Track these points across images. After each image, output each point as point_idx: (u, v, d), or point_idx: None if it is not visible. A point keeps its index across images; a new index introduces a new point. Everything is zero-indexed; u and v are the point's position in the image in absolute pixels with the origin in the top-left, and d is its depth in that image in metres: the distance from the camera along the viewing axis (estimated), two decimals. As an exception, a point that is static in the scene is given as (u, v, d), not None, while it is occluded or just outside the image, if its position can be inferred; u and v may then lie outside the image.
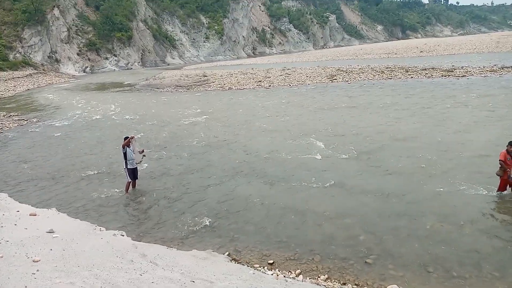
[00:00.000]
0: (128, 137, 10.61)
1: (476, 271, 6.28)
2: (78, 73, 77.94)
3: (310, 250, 7.23)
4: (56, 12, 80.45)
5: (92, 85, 52.38)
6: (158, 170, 12.62)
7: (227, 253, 7.19)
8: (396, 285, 5.94)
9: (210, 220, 8.67)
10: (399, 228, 7.83)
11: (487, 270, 6.29)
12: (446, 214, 8.25)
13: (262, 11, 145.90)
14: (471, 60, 45.58)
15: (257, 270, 6.14)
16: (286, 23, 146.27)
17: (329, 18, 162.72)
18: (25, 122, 24.36)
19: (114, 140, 17.14)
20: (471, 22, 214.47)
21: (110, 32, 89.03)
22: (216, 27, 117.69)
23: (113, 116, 24.56)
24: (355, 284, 6.09)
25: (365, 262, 6.74)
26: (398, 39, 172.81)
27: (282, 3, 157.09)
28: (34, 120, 25.08)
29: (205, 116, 21.88)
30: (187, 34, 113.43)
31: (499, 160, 8.69)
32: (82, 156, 15.16)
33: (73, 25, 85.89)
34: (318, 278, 6.28)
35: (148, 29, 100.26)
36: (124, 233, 7.10)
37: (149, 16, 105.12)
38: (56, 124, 23.10)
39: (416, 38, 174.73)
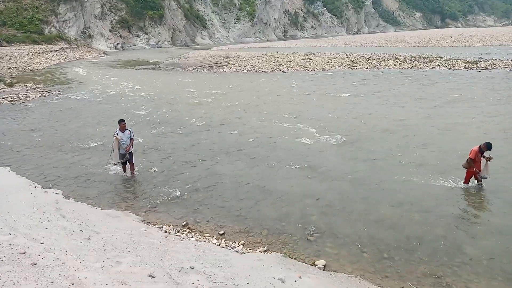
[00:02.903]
0: (123, 120, 10.54)
1: (407, 255, 6.61)
2: (110, 49, 79.96)
3: (261, 225, 7.73)
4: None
5: (119, 62, 53.88)
6: (150, 145, 13.35)
7: (184, 222, 7.82)
8: (324, 261, 6.37)
9: (181, 193, 9.29)
10: (353, 212, 8.20)
11: (418, 254, 6.61)
12: (403, 202, 8.53)
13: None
14: (503, 53, 43.87)
15: (166, 232, 6.86)
16: (319, 7, 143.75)
17: (365, 3, 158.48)
18: (47, 94, 25.67)
19: (121, 116, 18.02)
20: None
21: (142, 10, 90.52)
22: (248, 8, 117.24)
23: (128, 92, 25.54)
24: (289, 257, 6.55)
25: (307, 239, 7.18)
26: (437, 27, 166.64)
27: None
28: (56, 92, 26.37)
29: (212, 97, 22.47)
30: (218, 14, 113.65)
31: (469, 158, 8.84)
32: (88, 128, 16.10)
33: (106, 2, 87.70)
34: (257, 250, 6.79)
35: (179, 8, 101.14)
36: (60, 191, 7.83)
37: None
38: (74, 97, 24.29)
39: (455, 27, 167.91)
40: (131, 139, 10.40)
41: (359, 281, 5.34)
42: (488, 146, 8.68)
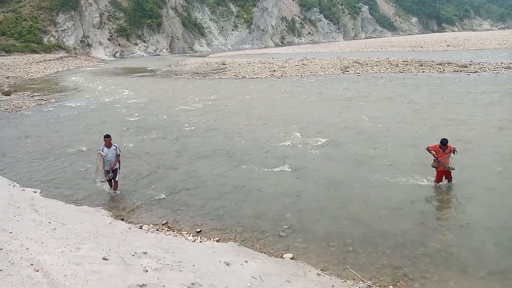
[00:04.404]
0: (109, 135, 9.77)
1: (371, 248, 7.00)
2: (108, 57, 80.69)
3: (237, 223, 8.13)
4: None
5: (117, 70, 54.47)
6: (139, 149, 13.77)
7: (164, 221, 8.22)
8: (291, 254, 6.76)
9: (164, 194, 9.70)
10: (326, 209, 8.59)
11: (381, 248, 7.00)
12: (375, 200, 8.93)
13: (293, 0, 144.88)
14: (494, 55, 44.42)
15: (132, 224, 7.26)
16: (316, 13, 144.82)
17: (362, 9, 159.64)
18: (44, 102, 26.12)
19: (113, 122, 18.49)
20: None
21: (141, 18, 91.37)
22: (245, 15, 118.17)
23: (123, 100, 26.01)
24: (259, 251, 6.94)
25: (279, 235, 7.58)
26: (433, 32, 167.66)
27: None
28: (53, 100, 26.82)
29: (204, 103, 22.93)
30: (216, 22, 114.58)
31: (428, 149, 9.35)
32: (80, 134, 16.52)
33: (105, 11, 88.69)
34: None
35: (177, 16, 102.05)
36: (38, 190, 8.27)
37: (179, 3, 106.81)
38: (70, 105, 24.73)
39: (452, 31, 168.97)
40: (117, 155, 9.70)
41: (303, 266, 5.73)
42: (443, 142, 9.13)
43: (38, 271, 4.19)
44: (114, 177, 9.73)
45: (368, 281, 5.83)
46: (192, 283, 4.37)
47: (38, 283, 3.97)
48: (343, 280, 5.70)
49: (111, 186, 9.89)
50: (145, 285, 4.13)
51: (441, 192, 9.36)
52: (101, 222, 6.54)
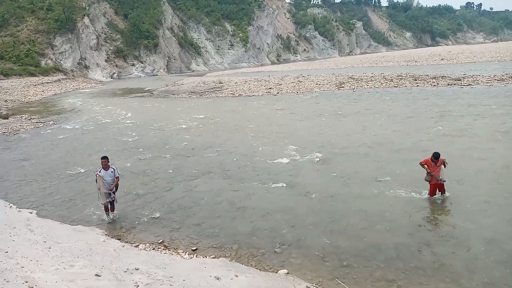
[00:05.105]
0: (106, 157, 9.59)
1: (365, 262, 7.07)
2: (106, 79, 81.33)
3: (233, 240, 8.20)
4: (86, 20, 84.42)
5: (114, 91, 54.89)
6: (136, 168, 13.88)
7: (160, 240, 8.28)
8: (286, 270, 6.82)
9: (160, 214, 9.77)
10: (320, 224, 8.68)
11: (375, 261, 7.07)
12: (368, 214, 9.02)
13: (288, 18, 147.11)
14: (487, 68, 45.03)
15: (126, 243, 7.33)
16: (311, 30, 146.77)
17: (356, 25, 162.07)
18: (41, 125, 26.30)
19: (110, 143, 18.65)
20: (506, 28, 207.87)
21: (137, 39, 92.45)
22: (240, 34, 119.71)
23: (120, 120, 26.21)
24: (255, 267, 7.00)
25: (274, 251, 7.65)
26: (428, 46, 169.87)
27: (308, 10, 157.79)
28: (50, 123, 27.02)
29: (201, 122, 23.14)
30: (212, 41, 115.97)
31: (421, 164, 9.50)
32: (77, 155, 16.64)
33: (102, 33, 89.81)
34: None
35: (174, 36, 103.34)
36: (34, 211, 8.37)
37: (176, 24, 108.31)
38: (67, 127, 24.90)
39: (446, 45, 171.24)
40: (116, 178, 9.48)
41: (293, 279, 5.81)
42: (435, 156, 9.29)
43: (32, 288, 4.31)
44: (112, 202, 9.48)
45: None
46: (182, 297, 4.47)
47: (32, 300, 4.07)
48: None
49: (111, 209, 9.51)
50: (136, 299, 4.23)
51: (434, 205, 9.46)
52: (95, 240, 6.65)
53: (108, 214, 9.44)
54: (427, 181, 9.59)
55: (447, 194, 9.67)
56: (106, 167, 9.37)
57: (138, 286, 4.55)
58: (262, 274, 6.01)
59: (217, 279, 5.10)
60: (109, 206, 9.45)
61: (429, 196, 9.69)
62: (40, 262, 4.99)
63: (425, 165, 9.50)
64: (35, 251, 5.32)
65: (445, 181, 9.45)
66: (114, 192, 9.46)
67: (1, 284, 4.28)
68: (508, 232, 7.83)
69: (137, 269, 4.99)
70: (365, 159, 13.41)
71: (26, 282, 4.40)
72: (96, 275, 4.65)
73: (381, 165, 12.55)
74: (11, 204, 9.10)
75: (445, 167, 9.44)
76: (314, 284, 5.94)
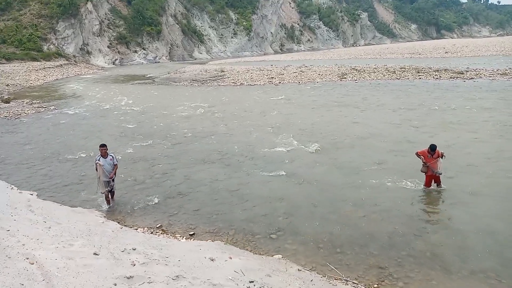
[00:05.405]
0: (104, 144, 9.49)
1: (359, 249, 7.20)
2: (108, 65, 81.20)
3: (230, 226, 8.33)
4: (89, 6, 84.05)
5: (116, 77, 54.87)
6: (137, 155, 13.99)
7: (159, 224, 8.42)
8: (281, 255, 6.95)
9: (160, 199, 9.90)
10: (316, 212, 8.80)
11: (368, 249, 7.20)
12: (364, 203, 9.14)
13: (292, 7, 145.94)
14: (491, 62, 44.82)
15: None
16: (315, 20, 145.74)
17: (361, 16, 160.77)
18: (43, 109, 26.39)
19: (111, 129, 18.76)
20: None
21: (140, 26, 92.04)
22: (244, 23, 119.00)
23: (122, 107, 26.29)
24: (250, 252, 7.13)
25: (270, 237, 7.78)
26: (433, 38, 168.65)
27: (313, 0, 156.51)
28: (52, 107, 27.12)
29: (202, 110, 23.20)
30: (215, 29, 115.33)
31: (417, 154, 9.59)
32: (79, 140, 16.77)
33: (105, 18, 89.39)
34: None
35: (177, 24, 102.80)
36: (35, 193, 8.53)
37: (179, 11, 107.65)
38: (68, 112, 25.01)
39: (451, 38, 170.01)
40: (115, 165, 9.49)
41: (285, 262, 5.94)
42: (432, 148, 9.36)
43: (33, 264, 4.48)
44: (111, 188, 9.50)
45: (347, 277, 6.05)
46: (177, 276, 4.64)
47: (32, 274, 4.26)
48: (322, 275, 5.90)
49: (108, 202, 9.44)
50: (132, 277, 4.40)
51: (429, 196, 9.56)
52: (94, 222, 6.80)
53: (108, 203, 9.43)
54: (423, 172, 9.68)
55: (443, 186, 9.76)
56: (105, 155, 9.34)
57: (134, 265, 4.72)
58: (256, 257, 6.16)
59: (212, 260, 5.25)
60: (109, 195, 9.46)
61: (425, 187, 9.79)
62: (41, 240, 5.17)
63: (421, 156, 9.58)
64: (35, 230, 5.51)
65: (441, 173, 9.53)
66: (113, 180, 9.49)
67: (3, 260, 4.46)
68: (501, 224, 7.93)
69: (134, 249, 5.15)
70: (363, 149, 13.49)
71: (27, 258, 4.58)
72: (94, 253, 4.84)
73: (378, 156, 12.63)
74: (12, 186, 9.28)
75: (442, 159, 9.51)
76: (306, 268, 6.07)
